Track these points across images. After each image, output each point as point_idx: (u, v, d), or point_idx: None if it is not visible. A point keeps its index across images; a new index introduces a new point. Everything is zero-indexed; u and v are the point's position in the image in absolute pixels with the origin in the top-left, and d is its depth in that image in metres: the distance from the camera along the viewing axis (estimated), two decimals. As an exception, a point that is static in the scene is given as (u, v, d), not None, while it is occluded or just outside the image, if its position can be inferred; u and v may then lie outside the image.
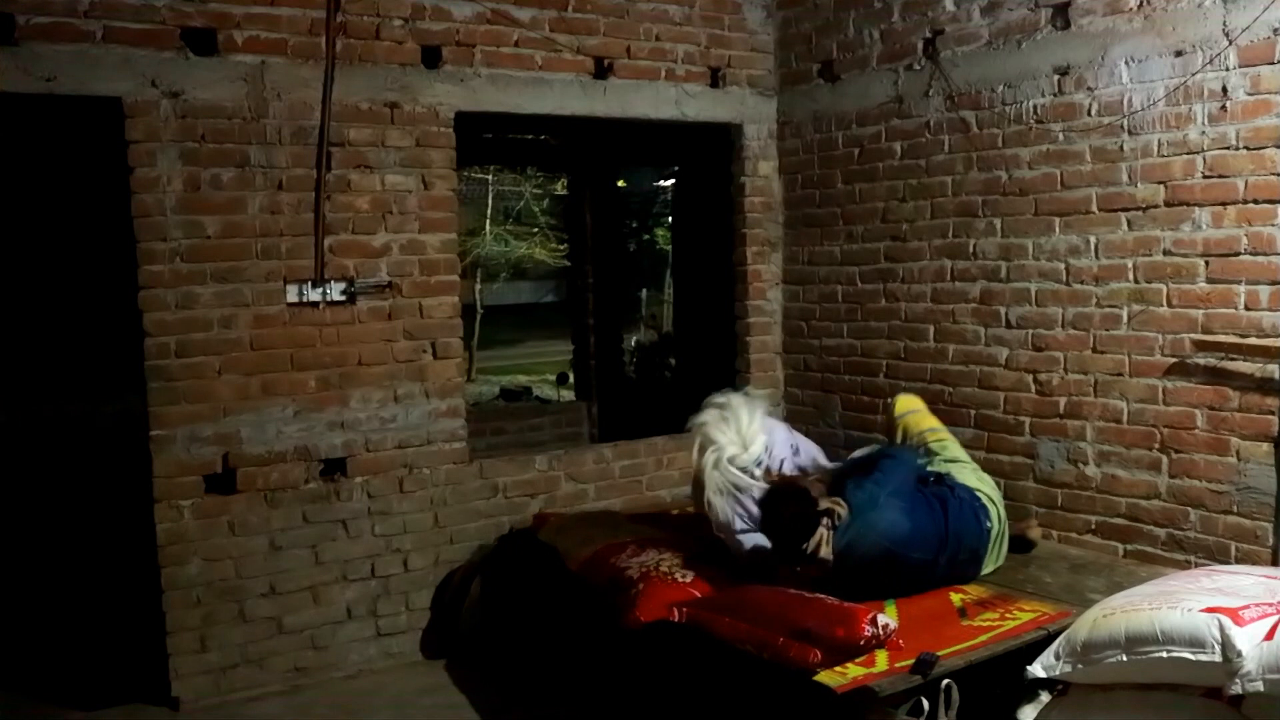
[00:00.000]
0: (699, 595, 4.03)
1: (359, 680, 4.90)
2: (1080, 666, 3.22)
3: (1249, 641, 2.91)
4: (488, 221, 16.05)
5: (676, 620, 3.92)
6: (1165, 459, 4.25)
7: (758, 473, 4.24)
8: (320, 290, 4.75)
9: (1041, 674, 3.30)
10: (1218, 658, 2.92)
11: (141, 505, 4.57)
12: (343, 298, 4.80)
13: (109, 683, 4.86)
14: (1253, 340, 3.95)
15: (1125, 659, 3.11)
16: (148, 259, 4.42)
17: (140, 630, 4.88)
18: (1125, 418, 4.37)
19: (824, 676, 3.37)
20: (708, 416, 4.37)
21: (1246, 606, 3.04)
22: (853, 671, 3.37)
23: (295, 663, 4.81)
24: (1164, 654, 3.02)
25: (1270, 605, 3.07)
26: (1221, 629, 2.93)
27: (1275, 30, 3.80)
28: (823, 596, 3.88)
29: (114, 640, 5.34)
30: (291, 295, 4.70)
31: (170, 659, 4.57)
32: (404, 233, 4.93)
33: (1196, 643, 2.97)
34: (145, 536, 4.57)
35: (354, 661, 4.95)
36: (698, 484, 4.40)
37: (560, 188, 14.48)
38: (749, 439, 4.29)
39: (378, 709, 4.61)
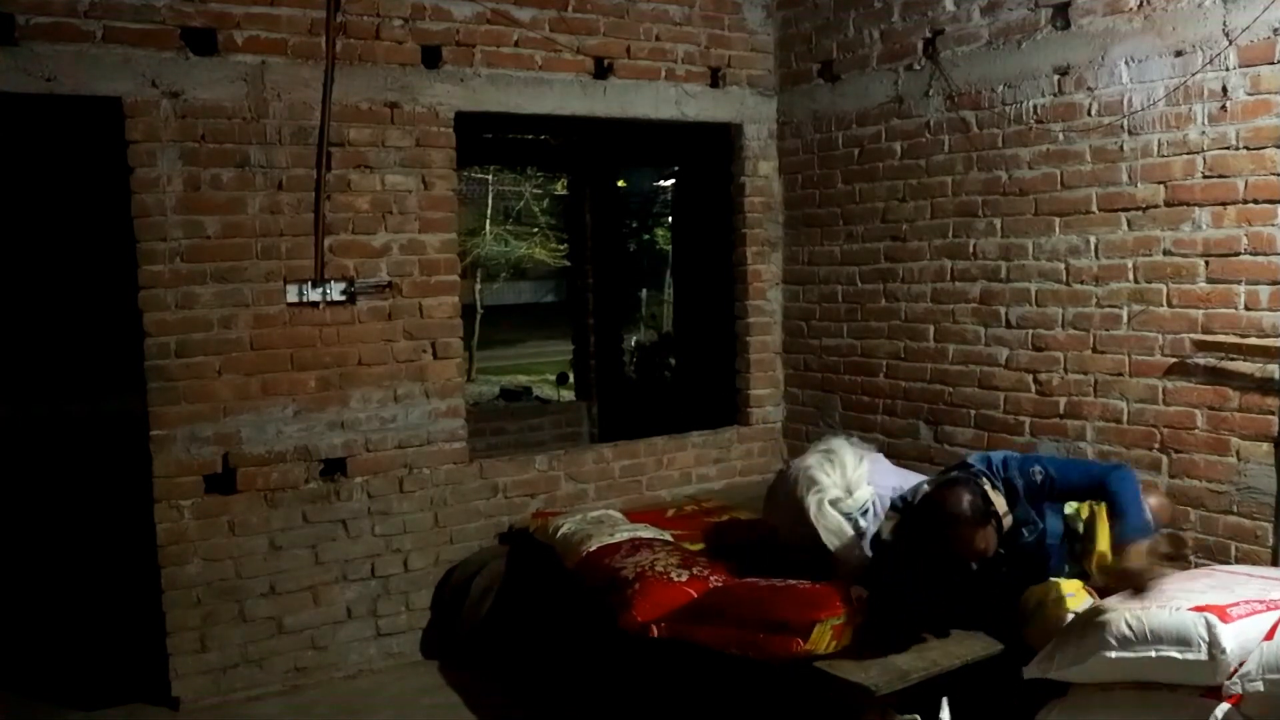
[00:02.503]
0: (695, 594, 4.03)
1: (359, 680, 4.90)
2: (1074, 666, 3.23)
3: (1236, 637, 2.93)
4: (488, 221, 16.06)
5: (656, 636, 3.91)
6: (1165, 459, 4.25)
7: (863, 522, 4.17)
8: (320, 290, 4.75)
9: (1037, 674, 3.31)
10: (1204, 655, 2.94)
11: (142, 505, 4.57)
12: (343, 298, 4.80)
13: (109, 683, 4.85)
14: (1253, 340, 3.94)
15: (1116, 657, 3.13)
16: (148, 259, 4.42)
17: (140, 630, 4.87)
18: (1125, 418, 4.37)
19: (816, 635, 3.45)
20: (811, 459, 4.34)
21: (1236, 604, 3.06)
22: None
23: (295, 663, 4.81)
24: (1152, 653, 3.05)
25: (1262, 602, 3.08)
26: (1208, 627, 2.95)
27: (1275, 30, 3.80)
28: (793, 582, 3.90)
29: (114, 640, 5.33)
30: (291, 295, 4.70)
31: (170, 659, 4.57)
32: (404, 233, 4.93)
33: (1183, 641, 2.99)
34: (145, 536, 4.57)
35: (354, 661, 4.95)
36: (785, 509, 4.33)
37: (560, 188, 14.50)
38: (853, 484, 4.25)
39: (378, 709, 4.61)
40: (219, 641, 4.65)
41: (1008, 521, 3.50)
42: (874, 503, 4.22)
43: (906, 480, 4.44)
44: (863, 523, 4.16)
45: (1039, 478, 3.59)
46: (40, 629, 5.61)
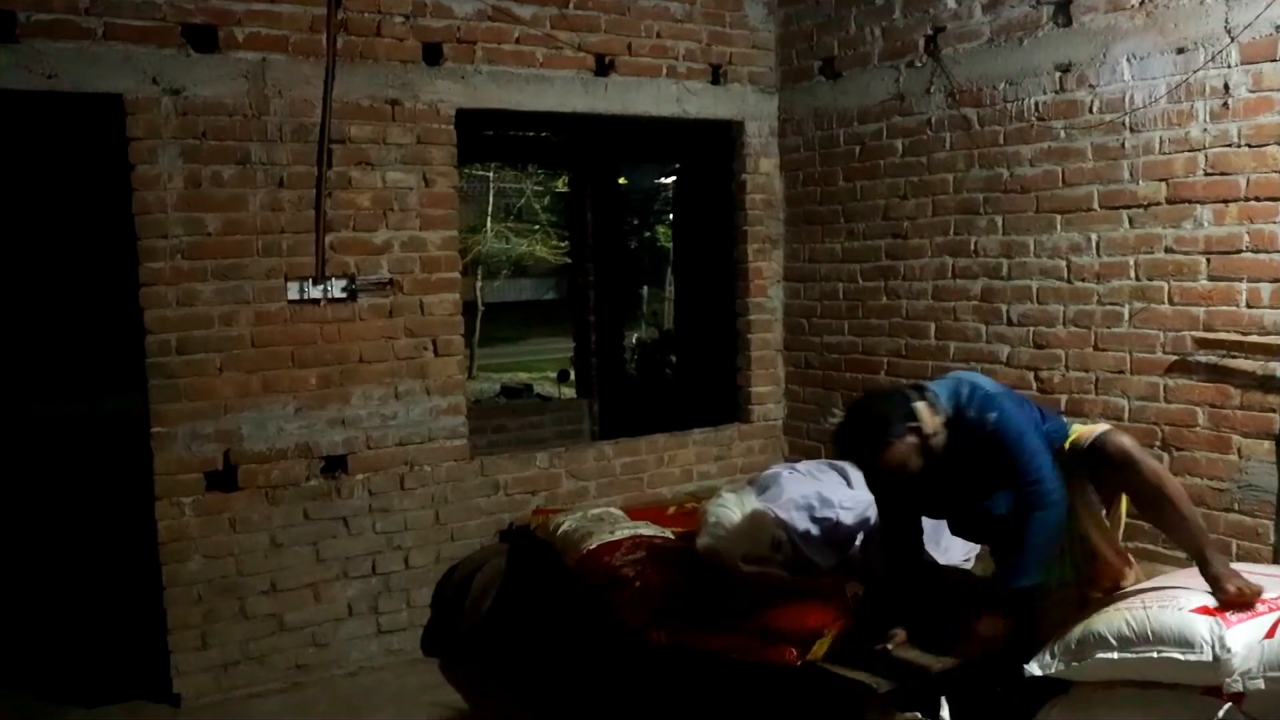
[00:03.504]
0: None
1: (360, 678, 4.90)
2: (1074, 664, 3.22)
3: (1240, 639, 2.93)
4: (489, 219, 16.05)
5: (657, 642, 3.91)
6: (1166, 456, 4.24)
7: (779, 556, 4.15)
8: (321, 287, 4.74)
9: (1038, 672, 3.30)
10: (1207, 658, 2.93)
11: (143, 502, 4.57)
12: (344, 295, 4.80)
13: (110, 680, 4.85)
14: (1254, 338, 3.94)
15: (1117, 657, 3.12)
16: (148, 256, 4.42)
17: (142, 627, 4.87)
18: (1126, 415, 4.37)
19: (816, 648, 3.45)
20: (703, 541, 4.19)
21: None
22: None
23: (296, 660, 4.81)
24: (1154, 654, 3.04)
25: (1264, 603, 3.07)
26: (1212, 630, 2.95)
27: (1278, 27, 3.79)
28: (789, 580, 3.91)
29: (115, 637, 5.33)
30: (292, 292, 4.69)
31: (171, 656, 4.57)
32: (405, 230, 4.93)
33: (1186, 643, 2.98)
34: (147, 534, 4.57)
35: (355, 659, 4.95)
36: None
37: (561, 185, 14.49)
38: (751, 528, 4.17)
39: (379, 706, 4.61)
40: (220, 639, 4.65)
41: (938, 441, 3.29)
42: (788, 521, 4.21)
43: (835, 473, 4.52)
44: (779, 556, 4.14)
45: (989, 428, 3.30)
46: (42, 626, 5.61)
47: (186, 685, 4.59)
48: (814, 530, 4.24)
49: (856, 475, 4.62)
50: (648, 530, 4.76)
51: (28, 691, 4.82)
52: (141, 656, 4.80)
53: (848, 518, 4.25)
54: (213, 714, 4.55)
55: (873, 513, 4.20)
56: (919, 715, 3.37)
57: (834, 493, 4.38)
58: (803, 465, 4.94)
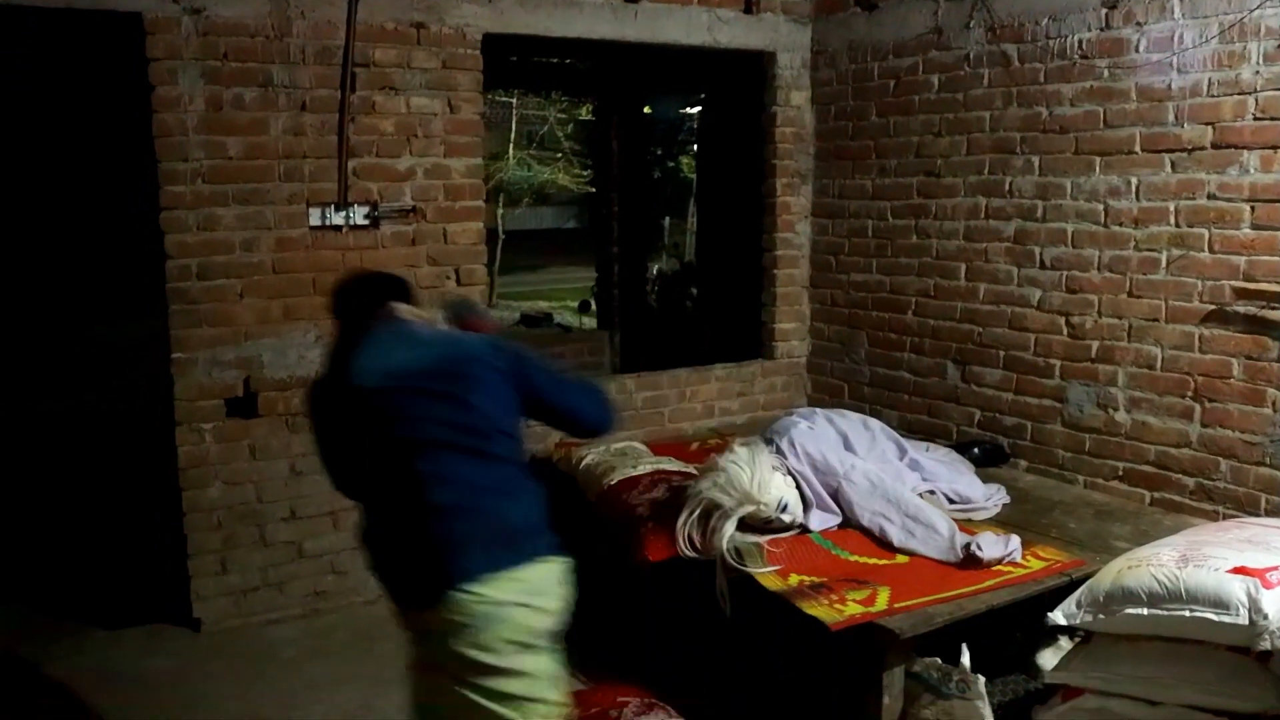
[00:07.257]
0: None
1: (378, 605, 4.87)
2: (1101, 617, 3.20)
3: (1276, 603, 2.88)
4: (511, 146, 15.90)
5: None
6: (1198, 407, 4.18)
7: (786, 518, 3.95)
8: (343, 214, 4.68)
9: (1062, 621, 3.29)
10: (1244, 620, 2.89)
11: (164, 428, 4.57)
12: (366, 222, 4.74)
13: (132, 603, 4.90)
14: (1296, 289, 3.85)
15: (1147, 613, 3.09)
16: (169, 179, 4.36)
17: (163, 552, 4.90)
18: (1159, 364, 4.30)
19: (820, 611, 3.33)
20: (702, 485, 3.97)
21: (1275, 568, 3.00)
22: (850, 609, 3.33)
23: (315, 587, 4.84)
24: (1187, 613, 3.00)
25: None
26: (1249, 593, 2.90)
27: (1338, -34, 3.65)
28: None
29: (138, 562, 5.37)
30: (314, 218, 4.64)
31: (192, 581, 4.61)
32: (429, 157, 4.85)
33: (1221, 604, 2.94)
34: (168, 459, 4.57)
35: (373, 587, 4.85)
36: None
37: (585, 113, 14.31)
38: (758, 491, 3.91)
39: (395, 634, 4.59)
40: (240, 565, 4.68)
41: None
42: (794, 487, 4.05)
43: (851, 433, 4.35)
44: (785, 517, 3.96)
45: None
46: (65, 549, 5.67)
47: (206, 610, 4.63)
48: (816, 487, 4.12)
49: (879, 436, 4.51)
50: (670, 466, 4.72)
51: (51, 613, 4.87)
52: (163, 581, 4.84)
53: (850, 489, 4.06)
54: (231, 638, 4.59)
55: (889, 487, 4.05)
56: (939, 661, 3.36)
57: (841, 460, 4.24)
58: (822, 414, 4.53)
